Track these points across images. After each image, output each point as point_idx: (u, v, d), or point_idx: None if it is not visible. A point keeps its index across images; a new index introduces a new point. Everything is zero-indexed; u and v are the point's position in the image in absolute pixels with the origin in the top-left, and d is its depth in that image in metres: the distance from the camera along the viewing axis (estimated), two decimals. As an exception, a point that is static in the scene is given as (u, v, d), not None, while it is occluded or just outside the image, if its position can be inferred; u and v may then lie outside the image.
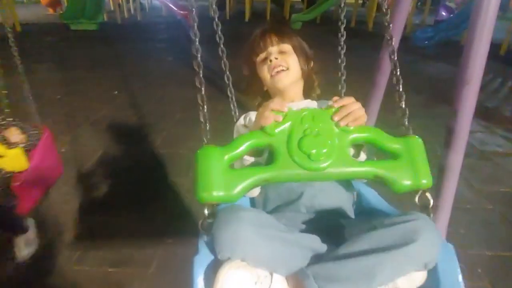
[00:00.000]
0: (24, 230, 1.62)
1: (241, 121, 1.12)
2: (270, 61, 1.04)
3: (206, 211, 0.70)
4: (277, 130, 0.71)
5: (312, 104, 1.10)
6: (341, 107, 0.75)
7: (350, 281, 0.62)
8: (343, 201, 0.90)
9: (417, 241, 0.61)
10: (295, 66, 1.07)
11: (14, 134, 1.49)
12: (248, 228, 0.63)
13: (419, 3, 13.23)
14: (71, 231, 1.90)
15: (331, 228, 0.82)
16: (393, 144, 0.74)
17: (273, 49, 1.07)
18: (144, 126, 3.35)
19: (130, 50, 7.13)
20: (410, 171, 0.71)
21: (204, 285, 0.67)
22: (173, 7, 10.70)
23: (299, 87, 1.12)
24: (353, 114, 0.74)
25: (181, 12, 10.68)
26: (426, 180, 0.71)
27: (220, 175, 0.67)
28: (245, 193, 0.70)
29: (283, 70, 1.04)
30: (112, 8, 12.26)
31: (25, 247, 1.62)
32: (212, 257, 0.68)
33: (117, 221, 1.99)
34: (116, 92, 4.31)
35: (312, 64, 1.15)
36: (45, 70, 5.23)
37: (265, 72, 1.06)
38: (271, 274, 0.67)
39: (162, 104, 4.00)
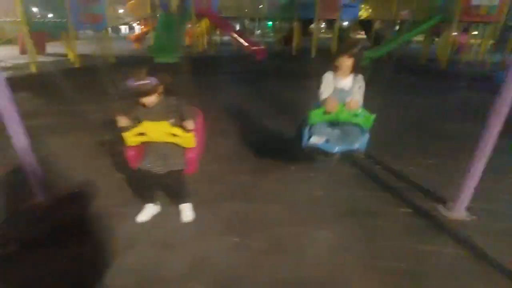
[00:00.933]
0: (189, 199, 2.36)
1: (324, 77, 2.54)
2: (341, 67, 2.46)
3: (309, 126, 2.49)
4: (332, 111, 2.32)
5: (352, 77, 2.50)
6: (350, 102, 2.29)
7: (340, 141, 2.41)
8: (348, 122, 2.41)
9: (359, 136, 2.40)
10: (351, 67, 2.44)
11: (191, 124, 2.09)
12: (318, 130, 2.45)
13: (498, 43, 12.39)
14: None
15: (341, 128, 2.49)
16: (365, 114, 2.34)
17: (344, 60, 2.42)
18: (223, 158, 3.48)
19: (204, 81, 7.70)
20: (366, 121, 2.35)
21: (306, 141, 2.47)
22: (244, 42, 11.48)
23: (349, 71, 2.47)
24: (353, 106, 2.28)
25: (252, 48, 11.42)
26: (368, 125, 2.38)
27: (315, 117, 2.41)
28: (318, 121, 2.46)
29: (347, 69, 2.46)
30: (188, 43, 13.50)
31: (190, 213, 2.30)
32: (308, 135, 2.49)
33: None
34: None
35: (356, 62, 2.44)
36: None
37: (339, 67, 2.47)
38: (323, 139, 2.42)
39: (236, 141, 4.16)
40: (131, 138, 2.10)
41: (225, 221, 2.30)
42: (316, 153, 2.44)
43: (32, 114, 4.64)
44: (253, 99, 5.98)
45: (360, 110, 2.35)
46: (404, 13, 12.20)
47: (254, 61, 10.86)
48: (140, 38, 16.30)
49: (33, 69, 8.18)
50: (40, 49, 11.41)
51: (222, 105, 5.48)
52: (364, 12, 13.37)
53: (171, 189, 2.43)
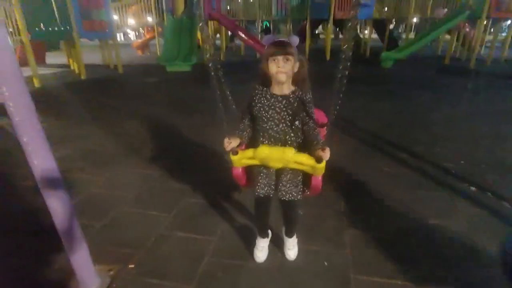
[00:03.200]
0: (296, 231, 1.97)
1: None
2: None
3: None
4: None
5: None
6: None
7: None
8: None
9: None
10: None
11: (327, 154, 1.49)
12: None
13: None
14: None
15: None
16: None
17: None
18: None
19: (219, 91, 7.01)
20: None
21: None
22: (259, 47, 10.81)
23: None
24: None
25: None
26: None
27: None
28: None
29: None
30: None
31: (295, 250, 1.97)
32: None
33: None
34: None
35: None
36: (159, 113, 5.10)
37: None
38: None
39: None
40: (241, 161, 1.66)
41: None
42: None
43: (56, 141, 3.73)
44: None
45: None
46: (438, 12, 11.57)
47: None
48: (144, 45, 15.60)
49: (36, 84, 7.40)
50: (40, 60, 10.69)
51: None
52: (376, 12, 12.80)
53: (284, 217, 1.92)
